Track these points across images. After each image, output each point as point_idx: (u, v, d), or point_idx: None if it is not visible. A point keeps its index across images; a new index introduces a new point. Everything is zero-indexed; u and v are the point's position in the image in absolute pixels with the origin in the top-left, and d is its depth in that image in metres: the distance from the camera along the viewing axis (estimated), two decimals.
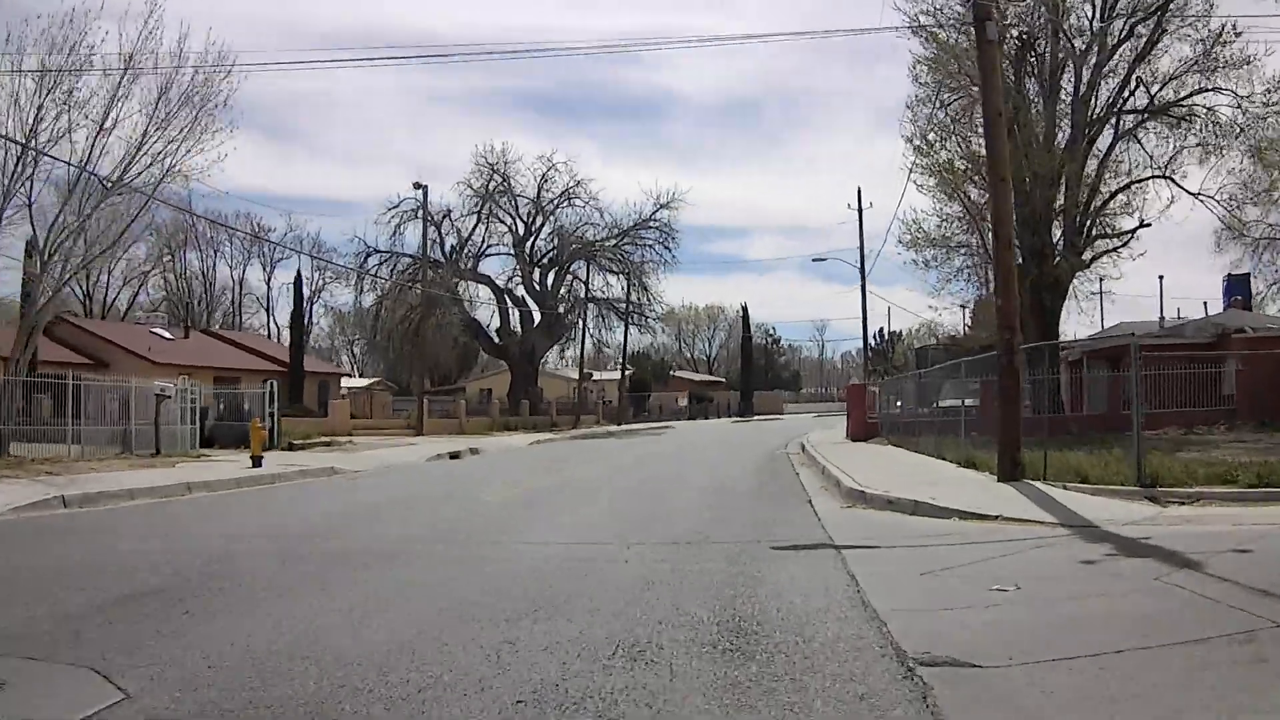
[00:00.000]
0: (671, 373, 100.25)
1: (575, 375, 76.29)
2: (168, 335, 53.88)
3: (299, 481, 20.12)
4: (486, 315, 62.45)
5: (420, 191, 47.96)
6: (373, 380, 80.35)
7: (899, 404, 32.66)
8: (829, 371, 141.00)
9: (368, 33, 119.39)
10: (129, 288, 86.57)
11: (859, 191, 48.48)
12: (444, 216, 57.16)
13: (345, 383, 68.37)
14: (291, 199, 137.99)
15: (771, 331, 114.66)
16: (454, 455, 30.67)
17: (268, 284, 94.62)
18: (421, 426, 45.43)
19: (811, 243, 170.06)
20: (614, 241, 61.20)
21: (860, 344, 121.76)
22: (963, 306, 77.58)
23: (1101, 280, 34.64)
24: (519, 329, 60.76)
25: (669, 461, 25.18)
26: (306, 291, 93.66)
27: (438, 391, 67.19)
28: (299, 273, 66.96)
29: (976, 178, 31.75)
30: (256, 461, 21.72)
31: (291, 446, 30.45)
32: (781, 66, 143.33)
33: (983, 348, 46.77)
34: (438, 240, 57.46)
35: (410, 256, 57.03)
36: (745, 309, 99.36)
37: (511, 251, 60.83)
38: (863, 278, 47.56)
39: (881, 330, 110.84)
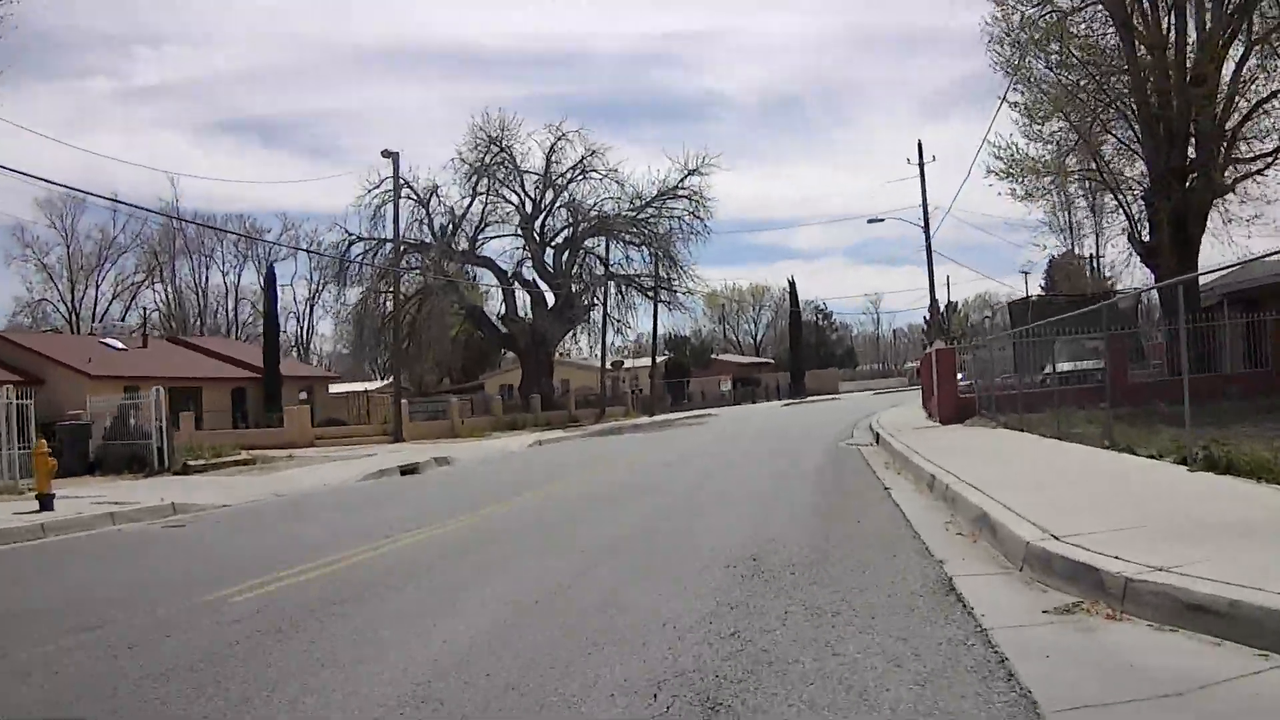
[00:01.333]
0: (713, 356, 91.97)
1: (608, 365, 68.76)
2: (119, 346, 47.16)
3: (58, 540, 12.49)
4: (496, 303, 54.99)
5: (391, 160, 40.07)
6: (385, 383, 73.15)
7: (997, 374, 24.66)
8: (885, 348, 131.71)
9: (405, 45, 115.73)
10: (120, 301, 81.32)
11: (920, 145, 40.49)
12: (430, 193, 49.50)
13: (339, 387, 61.13)
14: (319, 214, 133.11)
15: (822, 307, 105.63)
16: (408, 470, 23.18)
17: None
18: (400, 431, 37.96)
19: (858, 231, 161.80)
20: (636, 212, 52.90)
21: (922, 314, 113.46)
22: (1051, 260, 69.16)
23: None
24: (529, 314, 52.91)
25: (687, 474, 17.25)
26: (304, 293, 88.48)
27: (455, 390, 60.00)
28: (270, 268, 59.93)
29: (1089, 83, 23.74)
30: (45, 502, 14.33)
31: (187, 469, 23.32)
32: (822, 62, 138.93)
33: (1080, 298, 38.43)
34: (425, 220, 49.79)
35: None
36: (792, 283, 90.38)
37: (518, 231, 52.94)
38: (927, 234, 40.38)
39: (937, 301, 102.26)
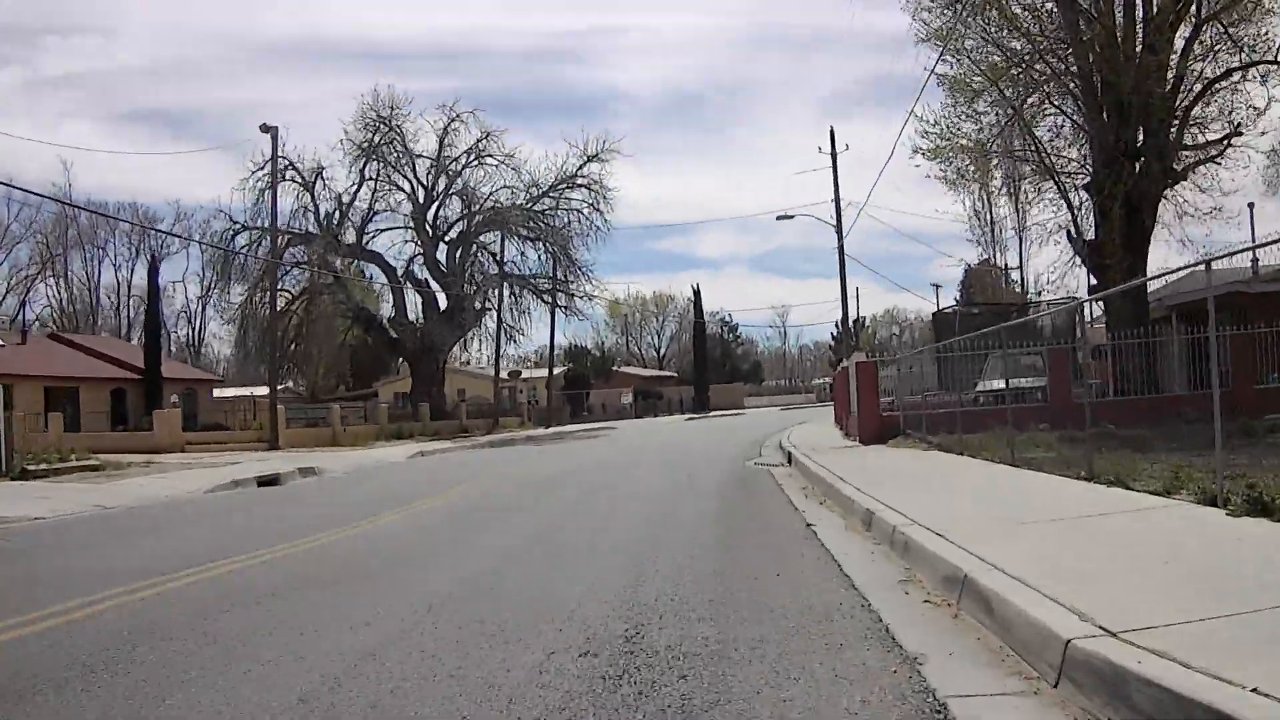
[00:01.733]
0: (615, 368, 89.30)
1: (503, 374, 65.52)
2: None
3: None
4: (389, 305, 51.43)
5: (270, 136, 36.35)
6: (281, 388, 68.56)
7: (918, 391, 22.59)
8: (791, 364, 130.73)
9: (310, 40, 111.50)
10: (14, 294, 75.48)
11: (831, 132, 38.43)
12: (316, 175, 45.76)
13: (227, 391, 56.83)
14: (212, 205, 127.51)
15: (728, 319, 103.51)
16: (267, 481, 20.31)
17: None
18: (276, 438, 34.43)
19: (764, 239, 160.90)
20: (532, 203, 49.74)
21: (829, 331, 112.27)
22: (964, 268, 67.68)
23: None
24: (421, 317, 49.50)
25: (564, 495, 14.48)
26: (197, 290, 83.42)
27: (348, 398, 56.19)
28: (153, 260, 55.20)
29: (1028, 53, 21.77)
30: None
31: (26, 473, 20.85)
32: (720, 62, 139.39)
33: (1007, 308, 36.48)
34: (311, 207, 46.03)
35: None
36: (697, 291, 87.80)
37: (409, 223, 49.41)
38: (839, 231, 37.73)
39: (849, 308, 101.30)
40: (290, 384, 73.89)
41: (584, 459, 24.07)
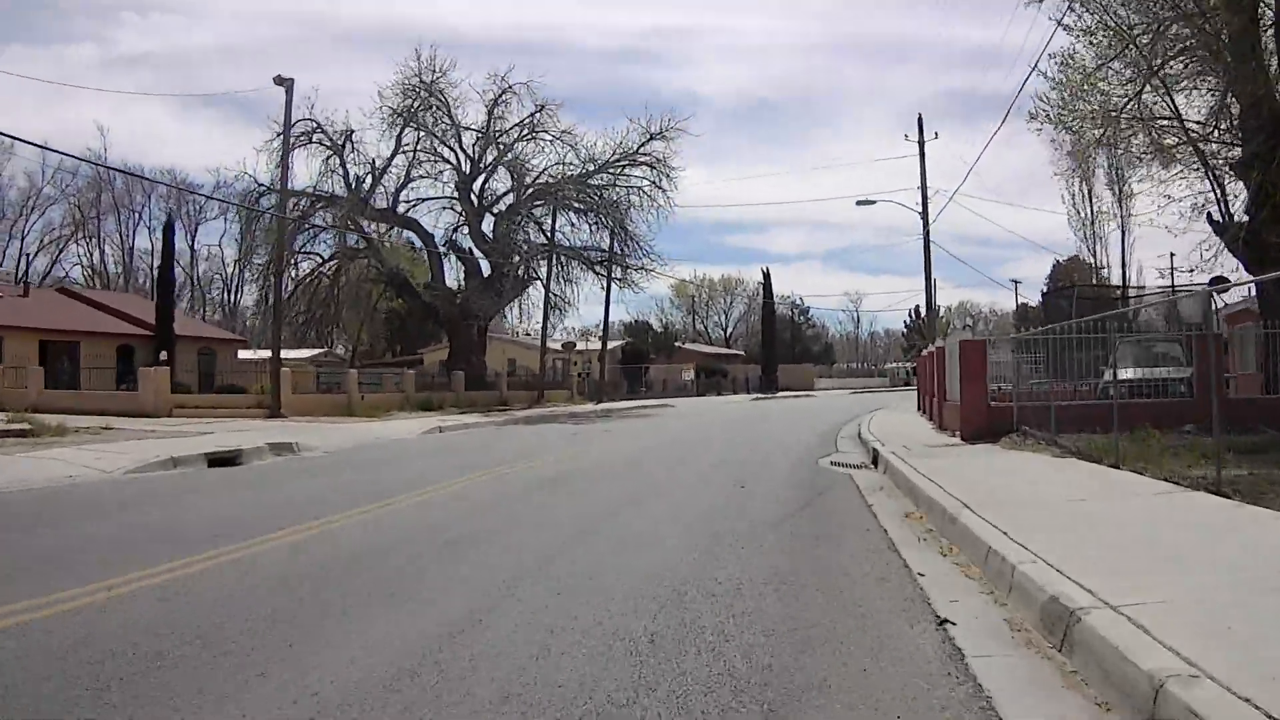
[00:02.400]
0: (679, 345, 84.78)
1: (557, 345, 61.70)
2: None
3: None
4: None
5: (284, 89, 32.37)
6: (318, 351, 65.49)
7: (1026, 380, 18.23)
8: (864, 348, 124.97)
9: (384, 29, 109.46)
10: (45, 254, 73.84)
11: (920, 120, 34.55)
12: (345, 139, 41.71)
13: (251, 354, 53.59)
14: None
15: (798, 302, 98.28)
16: (221, 460, 16.91)
17: (191, 247, 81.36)
18: (279, 405, 30.71)
19: (839, 236, 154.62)
20: (588, 177, 45.12)
21: (902, 320, 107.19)
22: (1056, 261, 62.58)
23: None
24: (462, 284, 45.53)
25: (557, 515, 10.30)
26: (233, 253, 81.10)
27: (393, 364, 53.06)
28: (169, 217, 52.41)
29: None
30: None
31: None
32: (800, 67, 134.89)
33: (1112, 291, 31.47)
34: (340, 171, 42.13)
35: (312, 195, 42.02)
36: (766, 273, 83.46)
37: (454, 193, 45.34)
38: (925, 218, 34.53)
39: (917, 308, 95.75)
40: (333, 348, 71.12)
41: (623, 446, 19.86)
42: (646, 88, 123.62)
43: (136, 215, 78.52)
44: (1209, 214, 19.06)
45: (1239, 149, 17.89)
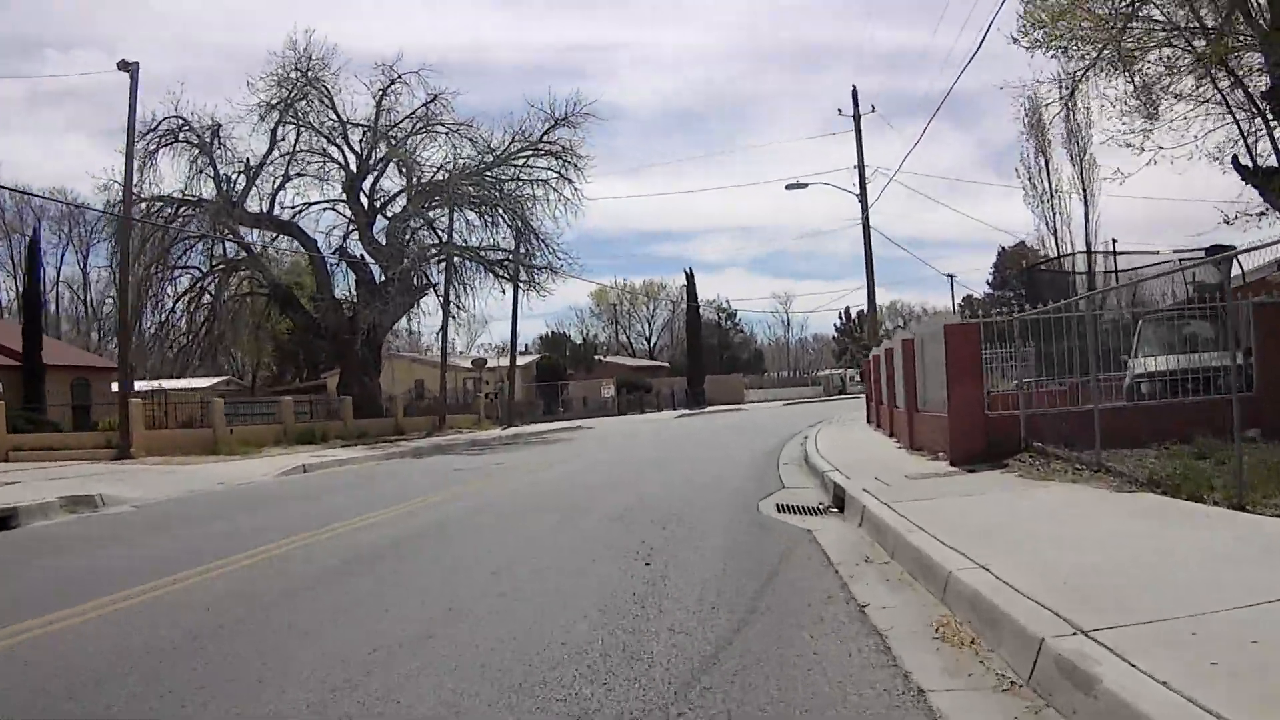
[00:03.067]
0: (600, 358, 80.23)
1: (467, 363, 57.01)
2: None
3: None
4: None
5: (129, 74, 27.36)
6: (219, 379, 59.67)
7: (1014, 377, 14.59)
8: (794, 355, 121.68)
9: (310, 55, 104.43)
10: None
11: (854, 91, 31.39)
12: (212, 134, 36.60)
13: (143, 384, 47.89)
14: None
15: (725, 306, 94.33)
16: None
17: (84, 270, 75.55)
18: (128, 444, 25.82)
19: (764, 243, 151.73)
20: (486, 170, 40.36)
21: (833, 321, 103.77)
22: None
23: None
24: (353, 295, 40.55)
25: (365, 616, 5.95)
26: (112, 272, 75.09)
27: (294, 390, 47.78)
28: (35, 234, 46.81)
29: None
30: None
31: None
32: (722, 76, 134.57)
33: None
34: (210, 171, 36.99)
35: (179, 199, 36.72)
36: (690, 274, 78.40)
37: (342, 196, 40.32)
38: (863, 200, 31.51)
39: (848, 309, 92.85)
40: (241, 375, 65.28)
41: (490, 496, 15.48)
42: (567, 101, 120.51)
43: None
44: (1234, 158, 15.50)
45: (1268, 75, 14.38)
